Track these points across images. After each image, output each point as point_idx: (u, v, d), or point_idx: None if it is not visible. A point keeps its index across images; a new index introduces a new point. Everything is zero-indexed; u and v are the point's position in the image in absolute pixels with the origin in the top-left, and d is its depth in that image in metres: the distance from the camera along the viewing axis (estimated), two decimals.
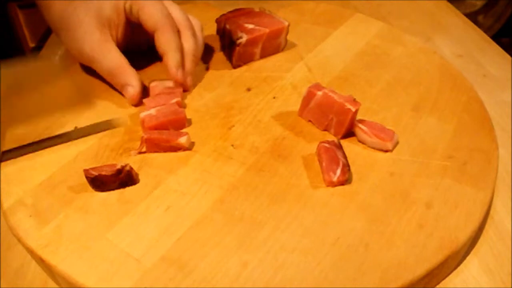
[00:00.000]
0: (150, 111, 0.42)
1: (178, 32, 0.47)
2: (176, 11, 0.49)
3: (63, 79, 0.49)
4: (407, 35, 0.56)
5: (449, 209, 0.36)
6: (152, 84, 0.47)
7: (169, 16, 0.46)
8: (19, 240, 0.35)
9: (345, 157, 0.38)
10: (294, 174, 0.39)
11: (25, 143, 0.41)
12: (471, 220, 0.35)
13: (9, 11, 0.75)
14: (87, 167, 0.37)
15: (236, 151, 0.41)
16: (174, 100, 0.44)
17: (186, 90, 0.48)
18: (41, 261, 0.34)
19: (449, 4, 0.73)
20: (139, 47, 0.52)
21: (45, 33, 0.67)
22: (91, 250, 0.33)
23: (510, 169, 0.44)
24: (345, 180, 0.37)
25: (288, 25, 0.52)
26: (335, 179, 0.37)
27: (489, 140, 0.42)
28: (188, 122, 0.44)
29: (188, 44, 0.48)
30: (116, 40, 0.48)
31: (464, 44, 0.62)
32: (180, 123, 0.43)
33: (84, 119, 0.44)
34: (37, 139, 0.42)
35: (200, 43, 0.50)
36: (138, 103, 0.46)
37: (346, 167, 0.38)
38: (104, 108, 0.45)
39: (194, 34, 0.49)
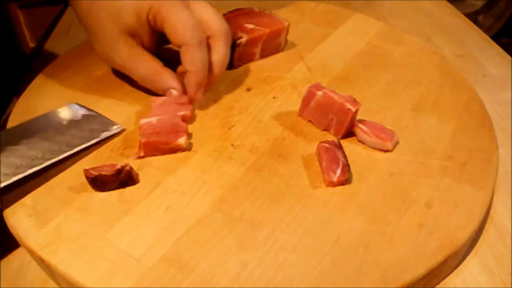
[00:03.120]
0: (151, 119, 0.41)
1: (208, 42, 0.43)
2: (209, 15, 0.44)
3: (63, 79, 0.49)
4: (407, 35, 0.56)
5: (449, 209, 0.36)
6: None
7: (195, 28, 0.42)
8: (19, 240, 0.35)
9: (345, 157, 0.38)
10: (294, 174, 0.39)
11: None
12: (471, 220, 0.35)
13: (9, 11, 0.75)
14: (87, 167, 0.37)
15: (236, 151, 0.41)
16: (181, 113, 0.42)
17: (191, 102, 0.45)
18: (41, 261, 0.34)
19: (449, 4, 0.73)
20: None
21: (45, 33, 0.68)
22: (91, 250, 0.33)
23: (510, 169, 0.44)
24: (345, 180, 0.37)
25: (288, 25, 0.52)
26: (335, 179, 0.37)
27: (489, 140, 0.42)
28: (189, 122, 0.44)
29: (218, 55, 0.44)
30: (143, 46, 0.45)
31: (464, 44, 0.62)
32: (176, 137, 0.40)
33: None
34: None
35: (227, 54, 0.46)
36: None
37: (346, 167, 0.37)
38: (104, 108, 0.45)
39: (227, 43, 0.45)
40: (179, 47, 0.42)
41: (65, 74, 0.50)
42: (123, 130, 0.43)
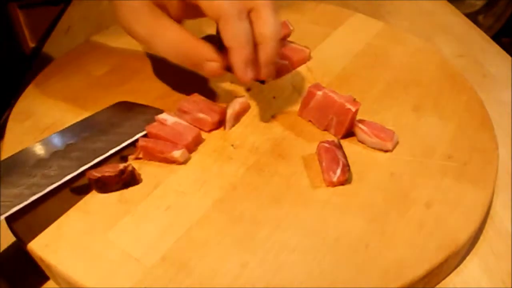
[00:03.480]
0: (166, 117, 0.41)
1: (252, 15, 0.38)
2: None
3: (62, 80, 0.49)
4: (407, 35, 0.56)
5: (449, 209, 0.36)
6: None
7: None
8: (19, 240, 0.35)
9: (345, 157, 0.38)
10: (294, 174, 0.39)
11: (25, 142, 0.41)
12: (471, 220, 0.35)
13: (9, 11, 0.75)
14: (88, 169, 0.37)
15: (236, 151, 0.41)
16: (207, 118, 0.41)
17: (263, 82, 0.41)
18: (41, 261, 0.34)
19: (449, 4, 0.73)
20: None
21: (45, 33, 0.68)
22: (91, 250, 0.33)
23: (510, 169, 0.44)
24: (345, 180, 0.37)
25: (309, 52, 0.52)
26: (335, 179, 0.37)
27: (489, 140, 0.42)
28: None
29: (268, 26, 0.38)
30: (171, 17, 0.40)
31: (464, 44, 0.62)
32: (172, 148, 0.39)
33: None
34: (38, 139, 0.42)
35: (279, 25, 0.40)
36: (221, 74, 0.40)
37: (346, 167, 0.37)
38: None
39: (275, 11, 0.39)
40: (217, 21, 0.37)
41: (65, 74, 0.50)
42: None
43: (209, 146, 0.41)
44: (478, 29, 0.66)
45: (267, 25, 0.38)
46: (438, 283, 0.36)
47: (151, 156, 0.40)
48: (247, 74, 0.38)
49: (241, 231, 0.34)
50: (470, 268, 0.37)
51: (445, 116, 0.44)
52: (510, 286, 0.35)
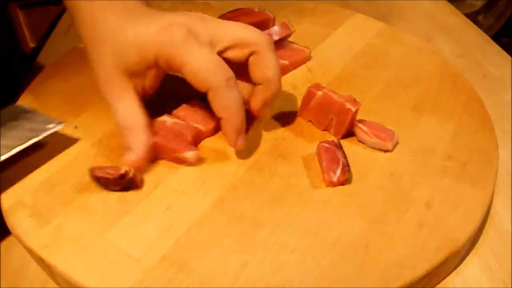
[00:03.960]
0: (165, 118, 0.40)
1: (253, 58, 0.38)
2: (241, 32, 0.38)
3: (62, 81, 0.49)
4: (407, 35, 0.56)
5: (449, 209, 0.36)
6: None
7: (218, 67, 0.36)
8: (19, 240, 0.35)
9: (345, 157, 0.38)
10: (294, 174, 0.39)
11: None
12: (471, 220, 0.35)
13: (9, 11, 0.75)
14: (87, 168, 0.37)
15: (236, 151, 0.41)
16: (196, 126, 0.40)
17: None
18: (41, 261, 0.34)
19: (449, 4, 0.73)
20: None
21: (45, 33, 0.68)
22: (91, 250, 0.33)
23: (510, 169, 0.44)
24: (345, 180, 0.37)
25: (310, 52, 0.52)
26: (335, 179, 0.37)
27: (489, 140, 0.42)
28: None
29: (269, 71, 0.38)
30: (142, 88, 0.39)
31: (464, 44, 0.62)
32: (185, 148, 0.39)
33: (84, 119, 0.44)
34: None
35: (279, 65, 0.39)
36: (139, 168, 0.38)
37: (346, 167, 0.37)
38: (104, 108, 0.45)
39: (274, 52, 0.38)
40: (205, 92, 0.36)
41: (65, 74, 0.50)
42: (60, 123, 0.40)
43: (209, 146, 0.41)
44: (478, 29, 0.66)
45: (270, 68, 0.38)
46: (438, 283, 0.36)
47: (161, 153, 0.39)
48: (238, 143, 0.38)
49: (241, 231, 0.34)
50: (470, 268, 0.37)
51: (445, 116, 0.44)
52: (510, 286, 0.35)
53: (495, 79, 0.56)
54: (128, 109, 0.39)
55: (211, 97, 0.36)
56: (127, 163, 0.37)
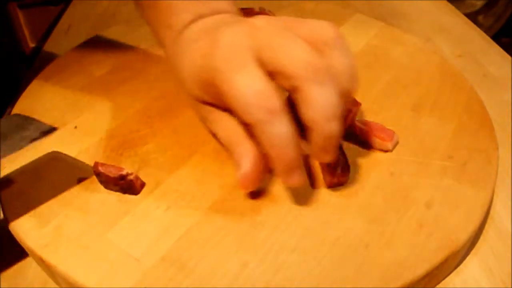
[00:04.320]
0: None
1: (294, 96, 0.31)
2: (308, 27, 0.32)
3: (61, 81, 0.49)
4: (407, 35, 0.56)
5: (449, 209, 0.36)
6: None
7: (260, 98, 0.29)
8: (19, 240, 0.35)
9: (345, 156, 0.38)
10: None
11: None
12: (471, 220, 0.35)
13: (9, 11, 0.75)
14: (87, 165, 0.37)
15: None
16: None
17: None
18: (41, 261, 0.34)
19: (449, 4, 0.73)
20: None
21: (45, 33, 0.68)
22: (91, 250, 0.33)
23: (510, 169, 0.44)
24: (345, 180, 0.37)
25: None
26: (335, 179, 0.37)
27: (489, 140, 0.42)
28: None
29: (314, 110, 0.30)
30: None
31: (464, 44, 0.62)
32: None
33: (84, 119, 0.44)
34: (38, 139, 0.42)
35: (334, 100, 0.31)
36: (250, 188, 0.35)
37: (346, 167, 0.37)
38: (104, 108, 0.45)
39: (324, 85, 0.30)
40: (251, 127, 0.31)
41: (65, 74, 0.50)
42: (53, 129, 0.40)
43: (209, 146, 0.41)
44: (478, 29, 0.66)
45: (314, 107, 0.30)
46: (438, 283, 0.36)
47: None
48: (292, 180, 0.33)
49: (241, 231, 0.34)
50: (470, 268, 0.37)
51: (445, 116, 0.44)
52: (510, 286, 0.35)
53: (495, 79, 0.56)
54: (221, 128, 0.36)
55: (255, 132, 0.31)
56: (240, 183, 0.34)
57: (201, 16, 0.36)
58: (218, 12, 0.37)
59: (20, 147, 0.37)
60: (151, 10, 0.38)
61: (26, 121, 0.40)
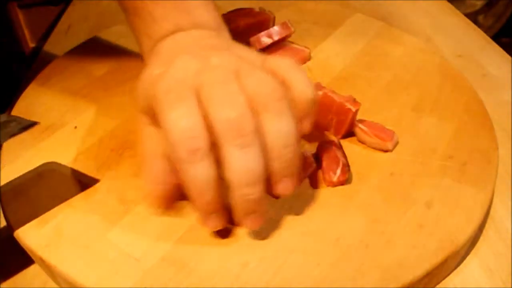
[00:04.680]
0: None
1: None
2: (257, 83, 0.31)
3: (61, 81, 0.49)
4: (407, 35, 0.56)
5: (449, 209, 0.36)
6: None
7: (186, 135, 0.29)
8: (19, 240, 0.35)
9: (345, 157, 0.38)
10: None
11: (25, 142, 0.41)
12: (471, 220, 0.35)
13: (9, 11, 0.75)
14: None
15: None
16: None
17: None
18: (41, 261, 0.34)
19: (449, 4, 0.73)
20: None
21: (45, 33, 0.68)
22: (91, 250, 0.33)
23: (510, 169, 0.44)
24: (345, 180, 0.37)
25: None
26: (335, 179, 0.37)
27: (489, 140, 0.42)
28: None
29: (230, 173, 0.30)
30: None
31: (464, 44, 0.62)
32: None
33: (84, 119, 0.44)
34: (37, 139, 0.42)
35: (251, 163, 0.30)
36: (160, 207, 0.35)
37: (346, 167, 0.37)
38: (104, 108, 0.45)
39: (241, 147, 0.29)
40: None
41: (65, 74, 0.50)
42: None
43: None
44: (478, 29, 0.66)
45: (232, 170, 0.30)
46: (438, 283, 0.36)
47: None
48: (208, 224, 0.32)
49: (241, 231, 0.34)
50: (470, 268, 0.37)
51: (445, 116, 0.44)
52: (510, 286, 0.35)
53: (495, 79, 0.56)
54: (145, 139, 0.35)
55: (177, 168, 0.30)
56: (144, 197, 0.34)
57: (180, 29, 0.36)
58: (200, 27, 0.37)
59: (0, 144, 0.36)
60: (134, 17, 0.39)
61: (9, 119, 0.39)
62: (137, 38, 0.39)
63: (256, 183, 0.30)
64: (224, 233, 0.34)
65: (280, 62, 0.34)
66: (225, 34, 0.38)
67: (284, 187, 0.32)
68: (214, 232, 0.34)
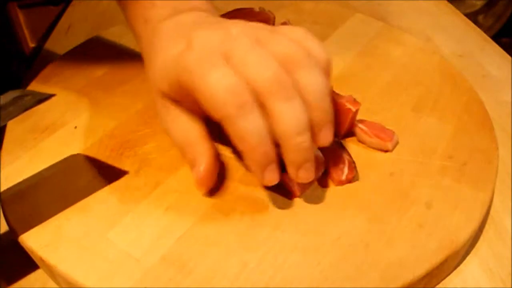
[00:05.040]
0: None
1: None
2: (252, 67, 0.31)
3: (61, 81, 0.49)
4: (407, 35, 0.56)
5: (449, 209, 0.36)
6: None
7: (230, 92, 0.30)
8: (19, 240, 0.35)
9: (349, 154, 0.38)
10: None
11: (25, 142, 0.41)
12: (471, 220, 0.35)
13: (9, 11, 0.75)
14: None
15: (236, 151, 0.41)
16: None
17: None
18: (41, 261, 0.34)
19: (449, 4, 0.73)
20: None
21: (45, 33, 0.68)
22: (91, 250, 0.33)
23: (510, 169, 0.44)
24: (353, 177, 0.37)
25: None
26: (343, 177, 0.37)
27: (489, 140, 0.42)
28: None
29: (280, 125, 0.31)
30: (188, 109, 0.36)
31: (464, 44, 0.62)
32: None
33: (84, 119, 0.44)
34: (38, 139, 0.42)
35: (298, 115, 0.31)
36: (207, 188, 0.36)
37: (353, 164, 0.37)
38: (104, 108, 0.45)
39: (287, 100, 0.31)
40: (221, 122, 0.31)
41: (65, 74, 0.50)
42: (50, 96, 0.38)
43: None
44: (478, 29, 0.66)
45: (283, 122, 0.31)
46: (438, 283, 0.36)
47: None
48: (266, 177, 0.32)
49: (241, 231, 0.34)
50: (470, 268, 0.37)
51: (445, 116, 0.44)
52: (510, 286, 0.35)
53: (495, 79, 0.56)
54: (179, 126, 0.36)
55: (225, 126, 0.31)
56: (195, 182, 0.35)
57: (179, 12, 0.37)
58: (196, 9, 0.38)
59: (15, 116, 0.36)
60: (130, 3, 0.39)
61: (24, 93, 0.39)
62: (133, 25, 0.40)
63: (306, 130, 0.31)
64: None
65: (291, 29, 0.35)
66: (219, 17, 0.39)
67: (325, 136, 0.33)
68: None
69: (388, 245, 0.33)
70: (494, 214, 0.40)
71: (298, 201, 0.36)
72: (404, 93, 0.47)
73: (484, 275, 0.36)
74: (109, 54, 0.53)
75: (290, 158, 0.32)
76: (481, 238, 0.39)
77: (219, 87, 0.30)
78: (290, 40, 0.33)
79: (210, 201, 0.36)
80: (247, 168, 0.37)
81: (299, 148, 0.31)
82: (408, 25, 0.66)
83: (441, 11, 0.71)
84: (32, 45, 0.74)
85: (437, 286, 0.36)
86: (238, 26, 0.34)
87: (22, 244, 0.35)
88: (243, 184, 0.38)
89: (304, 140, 0.31)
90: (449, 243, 0.33)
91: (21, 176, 0.39)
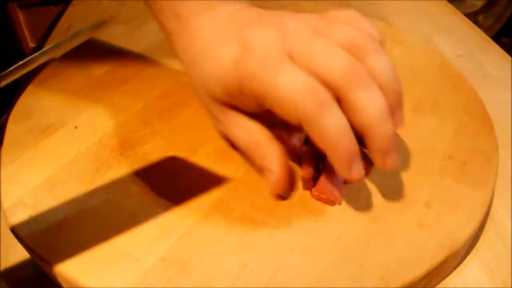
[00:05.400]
0: None
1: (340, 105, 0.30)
2: (325, 63, 0.29)
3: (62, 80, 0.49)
4: (407, 35, 0.56)
5: (449, 209, 0.36)
6: None
7: (308, 91, 0.28)
8: (19, 240, 0.35)
9: (361, 149, 0.37)
10: (294, 174, 0.39)
11: (25, 142, 0.41)
12: (471, 220, 0.35)
13: (9, 11, 0.75)
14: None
15: (236, 151, 0.41)
16: None
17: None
18: (41, 261, 0.34)
19: (449, 4, 0.73)
20: None
21: (45, 33, 0.68)
22: (91, 250, 0.33)
23: (510, 169, 0.44)
24: (371, 169, 0.36)
25: None
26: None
27: (489, 140, 0.42)
28: (188, 123, 0.44)
29: (363, 117, 0.30)
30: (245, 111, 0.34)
31: (464, 44, 0.62)
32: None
33: (84, 119, 0.44)
34: (38, 139, 0.42)
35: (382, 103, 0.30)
36: (285, 194, 0.35)
37: (367, 157, 0.36)
38: (105, 108, 0.45)
39: (368, 88, 0.30)
40: (299, 125, 0.30)
41: (65, 74, 0.50)
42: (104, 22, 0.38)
43: (209, 146, 0.41)
44: (478, 29, 0.66)
45: (367, 113, 0.29)
46: (438, 283, 0.36)
47: None
48: (353, 175, 0.31)
49: (241, 231, 0.34)
50: (470, 268, 0.37)
51: (445, 116, 0.44)
52: (510, 286, 0.35)
53: (495, 79, 0.56)
54: (244, 129, 0.34)
55: (305, 128, 0.29)
56: (271, 190, 0.34)
57: (212, 4, 0.34)
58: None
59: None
60: None
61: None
62: (160, 19, 0.37)
63: (389, 117, 0.30)
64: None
65: (341, 13, 0.34)
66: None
67: (399, 117, 0.32)
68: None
69: (388, 245, 0.33)
70: (494, 214, 0.40)
71: (298, 201, 0.36)
72: (404, 93, 0.47)
73: (484, 275, 0.36)
74: (109, 54, 0.53)
75: (377, 147, 0.31)
76: (481, 238, 0.39)
77: (293, 89, 0.28)
78: (347, 25, 0.31)
79: (210, 201, 0.36)
80: (251, 166, 0.37)
81: (386, 135, 0.30)
82: (408, 25, 0.66)
83: (441, 11, 0.71)
84: (32, 45, 0.74)
85: (437, 286, 0.36)
86: (292, 19, 0.32)
87: (17, 239, 0.35)
88: (243, 183, 0.38)
89: (389, 126, 0.30)
90: (449, 243, 0.33)
91: (20, 176, 0.39)
